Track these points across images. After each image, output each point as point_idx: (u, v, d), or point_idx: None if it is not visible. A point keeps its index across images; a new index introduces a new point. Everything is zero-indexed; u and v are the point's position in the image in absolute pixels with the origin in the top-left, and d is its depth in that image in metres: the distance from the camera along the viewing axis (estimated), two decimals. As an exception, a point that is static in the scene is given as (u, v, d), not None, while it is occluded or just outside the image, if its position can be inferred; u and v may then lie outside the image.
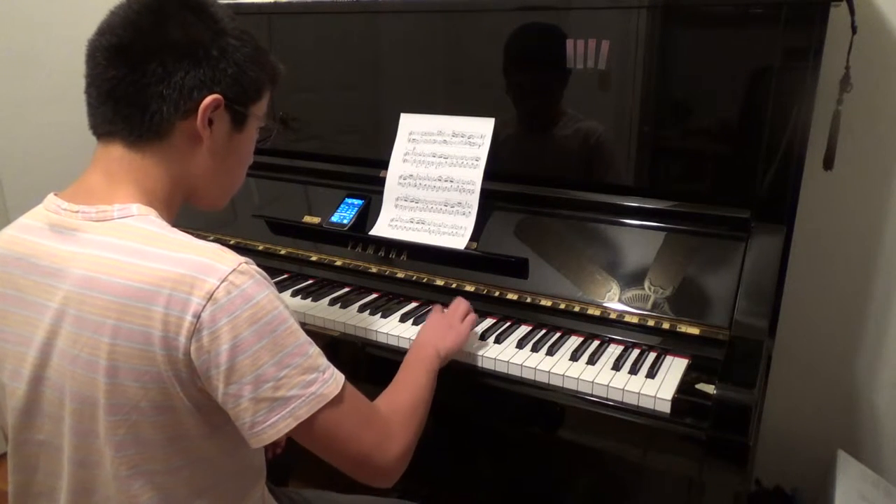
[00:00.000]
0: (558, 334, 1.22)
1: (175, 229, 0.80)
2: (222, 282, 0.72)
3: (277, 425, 0.75)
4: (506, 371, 1.14)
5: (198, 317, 0.71)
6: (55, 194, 0.83)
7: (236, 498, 0.88)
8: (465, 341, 1.14)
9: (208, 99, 0.81)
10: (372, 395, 0.95)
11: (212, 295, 0.71)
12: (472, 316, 1.19)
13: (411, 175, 1.43)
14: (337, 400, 0.78)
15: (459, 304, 1.20)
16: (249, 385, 0.73)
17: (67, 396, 0.77)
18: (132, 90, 0.79)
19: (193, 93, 0.80)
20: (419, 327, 1.24)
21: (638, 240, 1.26)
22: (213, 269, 0.73)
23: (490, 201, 1.37)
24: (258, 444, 0.76)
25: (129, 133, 0.81)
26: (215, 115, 0.83)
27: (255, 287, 0.74)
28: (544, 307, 1.27)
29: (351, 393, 0.82)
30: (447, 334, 1.11)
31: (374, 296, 1.40)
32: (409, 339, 1.20)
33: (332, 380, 0.79)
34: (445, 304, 1.33)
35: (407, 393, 0.95)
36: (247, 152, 0.93)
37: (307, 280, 1.47)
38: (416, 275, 1.38)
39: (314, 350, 0.79)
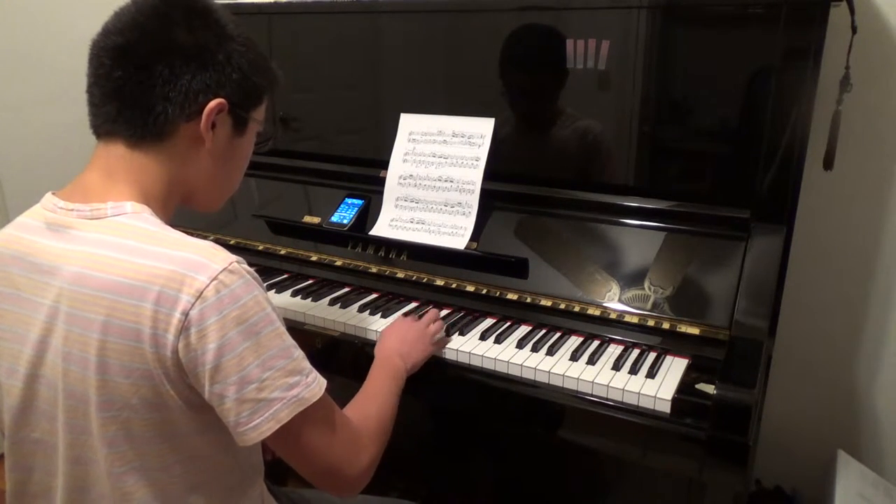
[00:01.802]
0: (558, 334, 1.22)
1: (168, 227, 0.80)
2: (212, 280, 0.72)
3: (260, 427, 0.75)
4: (506, 371, 1.14)
5: (186, 314, 0.71)
6: (52, 193, 0.84)
7: (234, 495, 0.88)
8: (430, 354, 1.15)
9: (213, 102, 0.82)
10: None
11: (201, 293, 0.72)
12: (440, 324, 1.21)
13: (411, 175, 1.43)
14: (317, 406, 0.79)
15: (430, 316, 1.22)
16: (234, 385, 0.74)
17: (61, 394, 0.78)
18: (138, 91, 0.80)
19: (199, 96, 0.81)
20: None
21: (638, 240, 1.26)
22: (203, 267, 0.73)
23: (490, 201, 1.37)
24: (243, 443, 0.77)
25: (131, 133, 0.81)
26: (218, 119, 0.84)
27: (243, 287, 0.74)
28: (544, 307, 1.26)
29: (330, 402, 0.82)
30: (415, 346, 1.12)
31: (374, 296, 1.40)
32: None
33: (315, 384, 0.79)
34: (446, 305, 1.34)
35: (376, 405, 0.95)
36: (245, 156, 0.94)
37: (307, 280, 1.47)
38: (416, 275, 1.38)
39: (298, 353, 0.79)
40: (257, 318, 0.75)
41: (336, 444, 0.82)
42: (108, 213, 0.79)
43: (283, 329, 0.78)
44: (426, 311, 1.25)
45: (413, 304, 1.35)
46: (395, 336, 1.14)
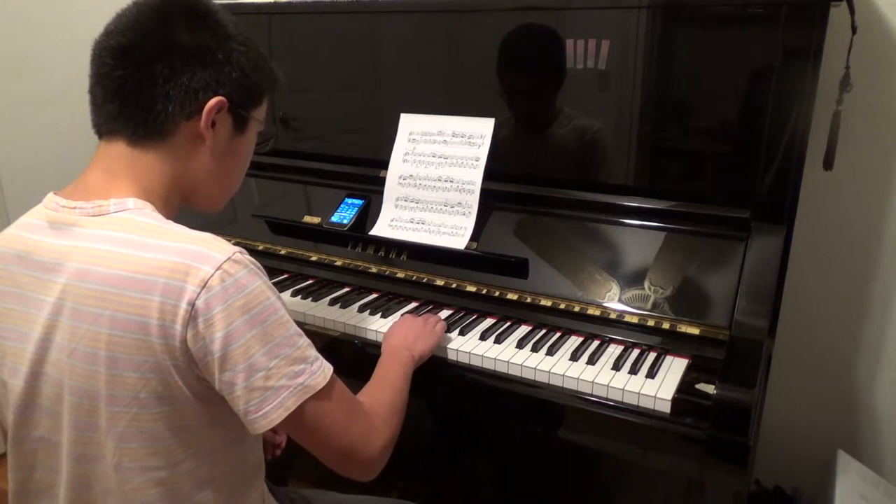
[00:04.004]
0: (558, 334, 1.22)
1: (170, 221, 0.81)
2: (217, 270, 0.73)
3: (269, 415, 0.76)
4: (506, 371, 1.14)
5: (192, 304, 0.72)
6: (54, 193, 0.84)
7: (238, 493, 0.88)
8: (436, 345, 1.16)
9: (213, 101, 0.83)
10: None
11: (206, 283, 0.73)
12: (443, 323, 1.22)
13: (411, 175, 1.43)
14: (324, 392, 0.80)
15: (432, 315, 1.23)
16: (242, 374, 0.75)
17: (66, 391, 0.78)
18: (138, 89, 0.81)
19: (199, 94, 0.82)
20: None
21: (638, 240, 1.26)
22: (207, 258, 0.74)
23: (490, 201, 1.37)
24: (254, 431, 0.78)
25: (132, 131, 0.82)
26: (218, 118, 0.85)
27: (248, 276, 0.76)
28: (544, 307, 1.26)
29: (338, 386, 0.84)
30: (419, 338, 1.14)
31: (374, 296, 1.40)
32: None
33: (320, 372, 0.80)
34: (446, 305, 1.34)
35: (388, 391, 0.97)
36: (246, 155, 0.95)
37: (307, 280, 1.47)
38: (416, 275, 1.38)
39: (303, 341, 0.80)
40: (262, 306, 0.76)
41: (349, 426, 0.84)
42: (111, 209, 0.79)
43: (287, 318, 0.79)
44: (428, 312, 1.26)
45: (413, 304, 1.35)
46: (401, 330, 1.15)
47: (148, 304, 0.73)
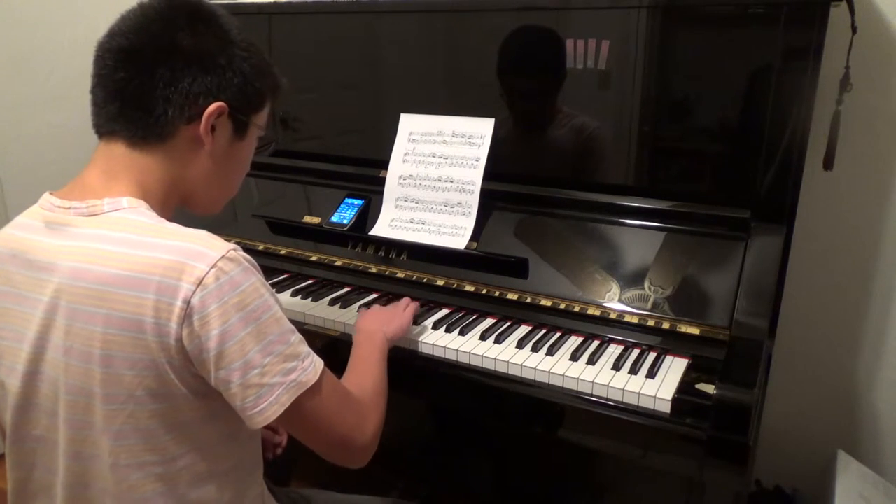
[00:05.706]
0: (558, 334, 1.22)
1: (164, 220, 0.81)
2: (211, 268, 0.73)
3: (266, 412, 0.77)
4: (506, 371, 1.14)
5: (188, 302, 0.72)
6: (50, 193, 0.84)
7: (236, 490, 0.88)
8: (409, 326, 1.20)
9: (213, 106, 0.83)
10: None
11: (201, 281, 0.73)
12: (413, 305, 1.25)
13: (411, 175, 1.43)
14: (316, 387, 0.81)
15: (403, 299, 1.27)
16: (238, 371, 0.75)
17: (62, 389, 0.78)
18: (139, 92, 0.81)
19: (199, 99, 0.83)
20: (421, 327, 1.25)
21: (638, 240, 1.26)
22: (202, 255, 0.74)
23: (490, 201, 1.37)
24: (252, 427, 0.79)
25: (132, 133, 0.83)
26: (218, 122, 0.86)
27: (242, 274, 0.76)
28: (544, 307, 1.27)
29: (329, 379, 0.85)
30: (392, 320, 1.16)
31: (374, 296, 1.40)
32: (409, 339, 1.21)
33: (312, 367, 0.81)
34: (445, 305, 1.34)
35: (370, 376, 0.99)
36: (245, 160, 0.95)
37: (307, 280, 1.47)
38: (416, 275, 1.38)
39: (296, 338, 0.81)
40: (256, 304, 0.76)
41: (342, 417, 0.85)
42: (105, 209, 0.80)
43: (281, 314, 0.80)
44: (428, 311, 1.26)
45: (413, 304, 1.35)
46: (371, 314, 1.18)
47: (143, 302, 0.73)
